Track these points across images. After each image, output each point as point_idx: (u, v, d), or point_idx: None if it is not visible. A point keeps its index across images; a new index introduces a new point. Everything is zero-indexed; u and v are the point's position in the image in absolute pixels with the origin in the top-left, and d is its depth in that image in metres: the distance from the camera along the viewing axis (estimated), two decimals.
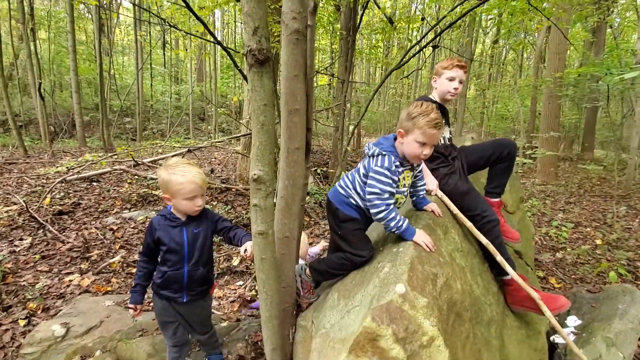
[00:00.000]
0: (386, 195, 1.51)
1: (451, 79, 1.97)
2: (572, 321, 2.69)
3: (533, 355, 1.91)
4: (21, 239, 3.95)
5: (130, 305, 1.68)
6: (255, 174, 1.36)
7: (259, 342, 2.32)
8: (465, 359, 1.27)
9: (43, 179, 6.03)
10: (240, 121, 6.27)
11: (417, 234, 1.50)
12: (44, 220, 4.30)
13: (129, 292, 3.32)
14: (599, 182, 9.93)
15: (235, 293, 3.60)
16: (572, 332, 2.65)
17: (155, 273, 1.67)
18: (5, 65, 10.80)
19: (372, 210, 1.54)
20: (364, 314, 1.21)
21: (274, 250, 1.47)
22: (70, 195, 5.33)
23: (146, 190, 5.66)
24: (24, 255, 3.62)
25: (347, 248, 1.63)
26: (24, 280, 3.17)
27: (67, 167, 5.05)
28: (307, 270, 1.81)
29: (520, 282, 1.67)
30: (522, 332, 1.95)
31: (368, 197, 1.54)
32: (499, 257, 1.69)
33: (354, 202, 1.68)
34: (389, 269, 1.33)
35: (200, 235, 1.66)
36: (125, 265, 3.74)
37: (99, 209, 5.06)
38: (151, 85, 17.57)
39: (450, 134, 2.14)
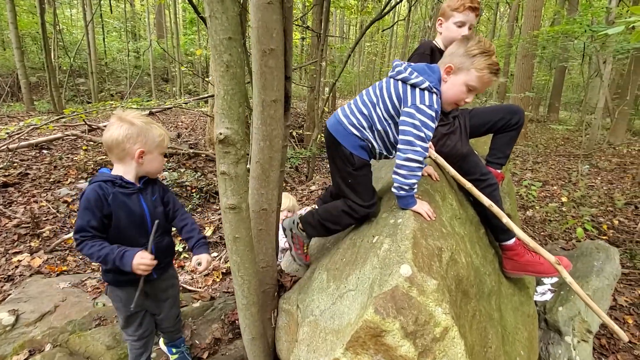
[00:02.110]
0: (427, 144, 1.25)
1: (461, 24, 1.69)
2: (549, 279, 2.70)
3: (527, 321, 1.84)
4: None
5: (140, 256, 1.24)
6: (221, 134, 1.06)
7: (236, 322, 2.13)
8: (473, 340, 1.12)
9: None
10: (207, 79, 5.71)
11: (418, 203, 1.29)
12: None
13: (87, 272, 3.01)
14: (563, 142, 10.29)
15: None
16: (549, 289, 2.66)
17: None
18: None
19: (407, 156, 1.23)
20: (362, 301, 1.01)
21: (249, 226, 1.21)
22: (16, 165, 4.73)
23: (104, 157, 5.13)
24: None
25: (353, 197, 1.41)
26: None
27: (6, 133, 4.41)
28: (300, 224, 1.58)
29: (535, 246, 1.52)
30: (516, 299, 1.86)
31: (407, 138, 1.23)
32: (505, 219, 1.53)
33: (369, 146, 1.40)
34: (389, 245, 1.11)
35: (158, 201, 1.39)
36: None
37: (50, 180, 4.54)
38: (104, 40, 15.86)
39: None
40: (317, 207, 1.77)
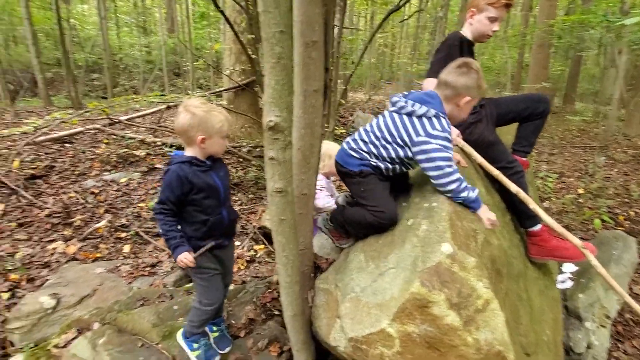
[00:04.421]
0: (452, 162, 1.37)
1: (493, 20, 1.73)
2: (569, 267, 2.74)
3: (552, 304, 1.89)
4: None
5: (184, 255, 1.44)
6: (271, 121, 1.13)
7: (267, 304, 2.23)
8: (507, 315, 1.18)
9: (8, 141, 5.51)
10: (225, 73, 5.79)
11: (483, 207, 1.39)
12: (15, 186, 3.94)
13: (119, 259, 3.15)
14: (579, 134, 10.15)
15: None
16: (569, 277, 2.70)
17: (188, 226, 1.51)
18: None
19: (442, 181, 1.36)
20: (405, 277, 1.08)
21: (294, 209, 1.29)
22: (42, 158, 4.89)
23: (126, 150, 5.27)
24: None
25: (371, 204, 1.47)
26: (1, 250, 2.92)
27: (34, 127, 4.57)
28: (329, 220, 1.69)
29: (562, 231, 1.57)
30: (541, 282, 1.92)
31: (434, 164, 1.37)
32: (533, 205, 1.58)
33: (372, 164, 1.54)
34: (427, 226, 1.18)
35: (225, 176, 1.59)
36: (112, 230, 3.52)
37: (76, 172, 4.69)
38: (118, 35, 16.04)
39: None
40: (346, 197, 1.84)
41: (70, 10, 13.65)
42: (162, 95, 6.00)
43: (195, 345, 1.65)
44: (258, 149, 6.24)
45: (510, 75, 12.70)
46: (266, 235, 3.76)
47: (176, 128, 1.47)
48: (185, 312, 1.88)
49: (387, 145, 1.50)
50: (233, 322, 1.96)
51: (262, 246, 3.61)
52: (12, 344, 2.14)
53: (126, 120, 5.58)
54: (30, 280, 2.66)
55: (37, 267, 2.82)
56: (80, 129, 5.88)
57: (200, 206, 1.49)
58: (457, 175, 1.36)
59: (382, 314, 1.07)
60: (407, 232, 1.27)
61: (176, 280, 2.78)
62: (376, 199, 1.44)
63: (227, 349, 1.75)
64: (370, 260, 1.33)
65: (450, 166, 1.36)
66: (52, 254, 2.96)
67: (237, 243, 3.72)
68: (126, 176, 4.71)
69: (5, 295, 2.46)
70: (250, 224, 4.01)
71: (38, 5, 15.59)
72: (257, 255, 3.47)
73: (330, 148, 2.01)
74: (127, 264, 2.87)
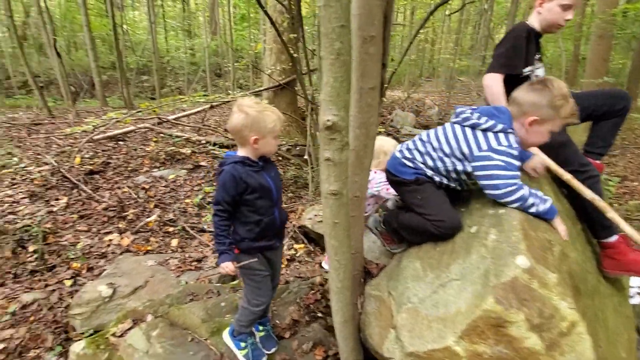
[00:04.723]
0: (516, 179, 1.26)
1: (566, 7, 1.57)
2: (636, 281, 2.48)
3: (626, 323, 1.69)
4: (57, 199, 3.92)
5: (227, 265, 1.48)
6: (329, 120, 1.09)
7: (310, 305, 2.20)
8: None
9: (70, 139, 5.97)
10: (266, 72, 5.86)
11: (557, 217, 1.28)
12: (76, 180, 4.25)
13: (168, 252, 3.29)
14: None
15: None
16: (637, 292, 2.44)
17: (241, 227, 1.52)
18: (17, 25, 10.47)
19: (505, 200, 1.25)
20: (474, 291, 0.99)
21: (348, 212, 1.23)
22: (99, 154, 5.25)
23: (173, 148, 5.52)
24: (61, 215, 3.60)
25: (429, 213, 1.38)
26: (64, 240, 3.15)
27: (92, 126, 4.90)
28: (382, 223, 1.62)
29: None
30: (615, 299, 1.72)
31: (492, 183, 1.26)
32: (611, 214, 1.41)
33: (426, 175, 1.46)
34: (497, 236, 1.08)
35: (277, 177, 1.58)
36: (161, 224, 3.68)
37: (129, 168, 4.98)
38: (166, 39, 16.90)
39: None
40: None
41: (123, 17, 14.58)
42: (205, 95, 6.21)
43: (243, 345, 1.66)
44: (298, 148, 6.28)
45: (565, 69, 11.77)
46: (306, 234, 3.76)
47: (230, 128, 1.46)
48: (232, 310, 1.90)
49: (445, 158, 1.41)
50: (277, 322, 1.95)
51: (302, 245, 3.61)
52: (73, 329, 2.29)
53: (173, 119, 5.84)
54: (90, 269, 2.84)
55: (95, 257, 3.01)
56: (132, 127, 6.24)
57: (253, 206, 1.48)
58: (520, 194, 1.23)
59: (446, 330, 0.99)
60: (471, 241, 1.17)
61: (221, 276, 2.84)
62: (435, 207, 1.35)
63: (273, 349, 1.74)
64: (429, 269, 1.24)
65: (512, 184, 1.24)
66: (108, 245, 3.14)
67: None
68: (174, 173, 4.92)
69: (68, 283, 2.64)
70: (290, 222, 4.02)
71: (95, 14, 16.85)
72: (297, 255, 3.47)
73: (384, 144, 1.91)
74: (175, 258, 2.98)
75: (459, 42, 17.74)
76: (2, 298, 2.37)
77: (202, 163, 5.25)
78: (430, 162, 1.44)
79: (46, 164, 4.81)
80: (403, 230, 1.45)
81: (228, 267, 1.46)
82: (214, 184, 4.75)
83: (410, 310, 1.18)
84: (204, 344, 1.69)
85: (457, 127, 1.43)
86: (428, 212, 1.35)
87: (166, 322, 1.76)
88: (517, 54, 1.66)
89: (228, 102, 6.89)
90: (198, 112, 6.86)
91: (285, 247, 3.61)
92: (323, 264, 2.70)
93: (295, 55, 4.89)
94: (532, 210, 1.22)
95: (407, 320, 1.15)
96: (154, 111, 5.10)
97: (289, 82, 6.70)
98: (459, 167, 1.39)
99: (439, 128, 1.49)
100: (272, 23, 4.35)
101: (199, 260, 3.00)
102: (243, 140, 1.45)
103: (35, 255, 2.84)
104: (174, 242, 3.42)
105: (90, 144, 5.58)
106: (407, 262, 1.40)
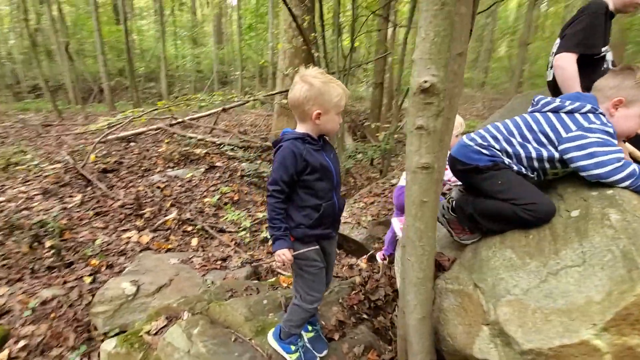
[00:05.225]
0: (622, 155, 1.14)
1: None
2: None
3: None
4: (71, 196, 3.78)
5: (284, 252, 1.31)
6: (426, 81, 0.96)
7: (354, 306, 2.04)
8: None
9: (82, 138, 5.87)
10: (285, 72, 5.79)
11: None
12: (91, 178, 4.11)
13: (189, 250, 3.13)
14: None
15: None
16: None
17: (297, 212, 1.35)
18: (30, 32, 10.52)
19: (614, 178, 1.13)
20: (613, 276, 0.85)
21: (437, 190, 1.10)
22: (112, 154, 5.13)
23: (187, 148, 5.40)
24: (76, 212, 3.45)
25: (517, 196, 1.23)
26: (81, 237, 3.00)
27: (107, 124, 4.80)
28: (450, 209, 1.46)
29: None
30: None
31: (599, 171, 1.14)
32: None
33: (502, 162, 1.31)
34: (621, 216, 0.95)
35: (336, 158, 1.42)
36: (180, 223, 3.53)
37: (142, 168, 4.85)
38: (176, 46, 17.04)
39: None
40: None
41: (130, 26, 14.69)
42: (221, 96, 6.13)
43: (293, 348, 1.49)
44: None
45: None
46: None
47: (290, 101, 1.32)
48: (274, 308, 1.74)
49: (526, 144, 1.28)
50: (323, 323, 1.79)
51: None
52: (95, 328, 2.12)
53: (188, 119, 5.74)
54: (109, 266, 2.68)
55: (114, 254, 2.85)
56: (144, 129, 6.15)
57: (312, 189, 1.33)
58: (629, 170, 1.10)
59: (576, 322, 0.84)
60: (581, 225, 1.03)
61: (247, 275, 2.68)
62: (522, 191, 1.21)
63: (324, 352, 1.58)
64: (527, 257, 1.10)
65: (619, 159, 1.12)
66: (127, 243, 2.99)
67: None
68: (189, 173, 4.79)
69: (88, 280, 2.48)
70: None
71: (104, 22, 17.03)
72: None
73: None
74: (199, 257, 2.82)
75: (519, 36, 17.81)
76: (21, 293, 2.22)
77: (217, 164, 5.12)
78: (509, 149, 1.30)
79: (59, 161, 4.69)
80: (483, 218, 1.30)
81: (285, 254, 1.30)
82: (233, 184, 4.61)
83: (513, 302, 1.03)
84: (248, 345, 1.53)
85: (537, 114, 1.32)
86: (515, 196, 1.20)
87: (206, 319, 1.60)
88: (595, 31, 1.55)
89: (242, 104, 6.83)
90: (211, 114, 6.78)
91: None
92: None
93: (316, 54, 4.84)
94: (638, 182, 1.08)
95: (511, 314, 1.00)
96: (170, 110, 4.99)
97: None
98: (544, 153, 1.25)
99: (516, 117, 1.37)
100: (293, 16, 4.28)
101: (223, 260, 2.85)
102: (304, 115, 1.31)
103: (52, 251, 2.68)
104: (194, 242, 3.26)
105: (102, 144, 5.48)
106: (489, 252, 1.25)
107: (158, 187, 4.28)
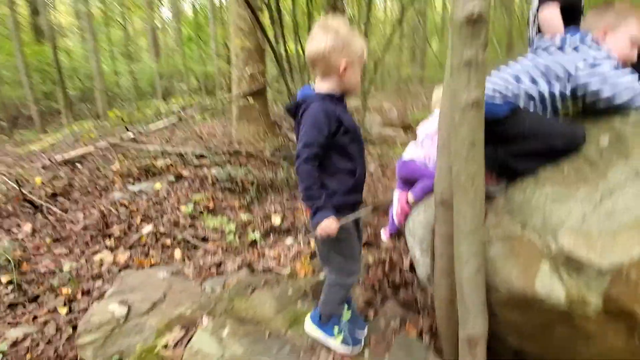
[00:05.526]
0: (630, 77, 1.20)
1: None
2: None
3: None
4: (19, 226, 3.28)
5: (330, 221, 1.18)
6: (472, 12, 0.92)
7: (374, 285, 1.97)
8: None
9: (19, 164, 5.18)
10: (234, 79, 5.62)
11: None
12: (40, 203, 3.61)
13: (175, 263, 2.83)
14: None
15: (290, 251, 3.20)
16: None
17: (330, 179, 1.23)
18: None
19: (631, 98, 1.19)
20: None
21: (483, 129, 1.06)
22: (60, 177, 4.58)
23: (146, 162, 4.99)
24: (29, 241, 2.99)
25: (550, 132, 1.25)
26: (43, 267, 2.59)
27: (50, 143, 4.26)
28: None
29: None
30: None
31: (624, 98, 1.20)
32: None
33: (522, 105, 1.34)
34: None
35: (355, 121, 1.32)
36: (156, 238, 3.21)
37: (98, 187, 4.38)
38: (113, 62, 15.91)
39: None
40: None
41: (57, 45, 13.42)
42: (178, 105, 5.78)
43: (336, 329, 1.38)
44: (280, 152, 6.03)
45: None
46: None
47: (312, 54, 1.19)
48: (301, 296, 1.62)
49: (538, 79, 1.32)
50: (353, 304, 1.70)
51: None
52: None
53: (143, 132, 5.31)
54: (86, 292, 2.34)
55: (88, 279, 2.50)
56: (92, 148, 5.58)
57: (346, 152, 1.23)
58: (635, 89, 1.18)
59: (633, 238, 0.85)
60: (617, 147, 1.06)
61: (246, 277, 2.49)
62: (549, 125, 1.24)
63: (365, 329, 1.48)
64: (573, 186, 1.10)
65: (634, 81, 1.18)
66: (101, 265, 2.64)
67: (288, 241, 3.45)
68: (153, 187, 4.41)
69: (63, 310, 2.13)
70: (299, 219, 3.74)
71: (24, 42, 15.38)
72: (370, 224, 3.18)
73: None
74: (188, 267, 2.57)
75: (401, 53, 19.04)
76: None
77: (184, 173, 4.78)
78: (521, 91, 1.32)
79: None
80: (518, 160, 1.29)
81: (333, 225, 1.17)
82: (205, 192, 4.33)
83: (573, 231, 1.02)
84: (284, 338, 1.39)
85: (542, 53, 1.37)
86: (547, 131, 1.22)
87: (233, 318, 1.43)
88: None
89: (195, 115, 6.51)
90: (168, 125, 6.37)
91: (302, 244, 3.32)
92: (382, 234, 2.48)
93: (277, 51, 4.73)
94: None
95: (576, 240, 0.99)
96: (123, 121, 4.57)
97: (260, 89, 6.52)
98: (557, 88, 1.30)
99: (522, 59, 1.41)
100: (253, 11, 4.14)
101: (218, 265, 2.62)
102: (328, 69, 1.19)
103: (11, 287, 2.28)
104: (177, 254, 2.98)
105: (45, 169, 4.88)
106: (525, 194, 1.25)
107: (122, 205, 3.88)
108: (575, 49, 1.30)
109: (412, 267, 2.14)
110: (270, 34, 4.39)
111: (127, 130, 5.01)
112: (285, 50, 4.63)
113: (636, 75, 1.20)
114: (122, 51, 18.41)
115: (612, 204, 0.98)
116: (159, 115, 6.24)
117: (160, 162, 5.10)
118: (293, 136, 7.23)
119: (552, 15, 1.67)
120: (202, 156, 5.41)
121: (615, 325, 1.02)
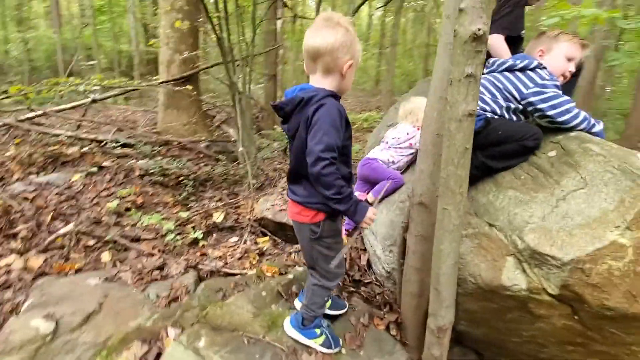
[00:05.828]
0: (572, 103, 1.42)
1: None
2: None
3: None
4: None
5: (373, 212, 1.20)
6: (479, 30, 1.01)
7: (356, 261, 2.01)
8: None
9: None
10: (162, 64, 5.17)
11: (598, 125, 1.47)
12: None
13: (108, 267, 2.45)
14: None
15: (235, 250, 3.06)
16: None
17: None
18: None
19: (574, 122, 1.40)
20: (619, 188, 1.07)
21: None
22: None
23: (54, 148, 4.26)
24: None
25: (519, 133, 1.44)
26: None
27: None
28: None
29: None
30: None
31: (560, 110, 1.40)
32: None
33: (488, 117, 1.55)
34: (599, 147, 1.22)
35: None
36: (77, 239, 2.76)
37: None
38: (4, 28, 13.16)
39: None
40: None
41: None
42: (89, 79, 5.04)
43: (318, 332, 1.37)
44: (216, 145, 5.69)
45: None
46: (264, 227, 3.41)
47: (317, 46, 1.10)
48: (274, 298, 1.57)
49: (496, 93, 1.53)
50: (340, 284, 1.72)
51: (266, 238, 3.26)
52: None
53: (52, 111, 4.52)
54: None
55: None
56: None
57: (346, 154, 1.21)
58: (583, 114, 1.42)
59: (599, 230, 1.04)
60: (569, 158, 1.27)
61: (195, 280, 2.30)
62: (520, 128, 1.43)
63: (347, 308, 1.52)
64: (532, 192, 1.28)
65: (574, 107, 1.42)
66: (8, 272, 2.17)
67: (233, 239, 3.29)
68: (64, 178, 3.77)
69: None
70: (244, 217, 3.59)
71: None
72: (265, 249, 3.12)
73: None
74: (126, 271, 2.28)
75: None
76: None
77: (105, 164, 4.19)
78: (487, 107, 1.51)
79: None
80: (495, 161, 1.44)
81: (375, 214, 1.20)
82: (132, 186, 3.86)
83: (535, 229, 1.18)
84: (264, 342, 1.33)
85: (497, 74, 1.57)
86: (519, 134, 1.40)
87: (207, 327, 1.31)
88: (518, 17, 1.91)
89: (136, 89, 5.77)
90: (75, 106, 5.52)
91: (249, 243, 3.20)
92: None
93: (221, 37, 4.44)
94: (595, 129, 1.41)
95: (539, 238, 1.16)
96: (27, 98, 3.81)
97: (191, 74, 6.08)
98: (512, 105, 1.51)
99: (483, 78, 1.59)
100: None
101: (160, 269, 2.37)
102: (332, 66, 1.13)
103: None
104: (106, 256, 2.61)
105: None
106: (489, 197, 1.41)
107: (26, 199, 3.24)
108: (524, 71, 1.52)
109: (369, 264, 2.23)
110: (214, 18, 4.10)
111: (31, 110, 4.18)
112: (228, 39, 4.38)
113: (574, 102, 1.45)
114: (14, 15, 15.32)
115: (567, 207, 1.17)
116: (63, 96, 5.37)
117: (72, 150, 4.40)
118: (228, 129, 6.88)
119: (498, 42, 1.91)
120: (125, 145, 4.82)
121: (561, 308, 1.22)
